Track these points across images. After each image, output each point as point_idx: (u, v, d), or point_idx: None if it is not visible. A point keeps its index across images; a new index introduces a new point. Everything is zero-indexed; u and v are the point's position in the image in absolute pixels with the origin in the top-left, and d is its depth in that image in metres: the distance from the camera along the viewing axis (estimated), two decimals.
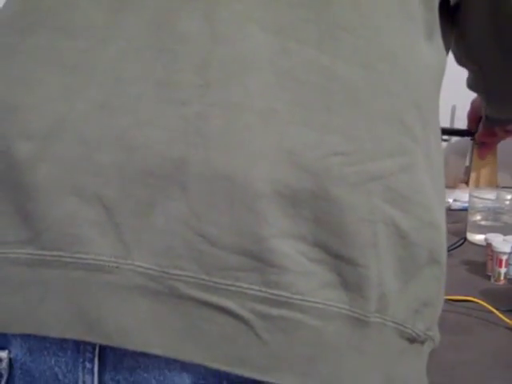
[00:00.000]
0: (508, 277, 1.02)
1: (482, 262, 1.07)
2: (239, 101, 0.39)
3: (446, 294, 0.95)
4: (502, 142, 1.14)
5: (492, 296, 0.95)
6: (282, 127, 0.39)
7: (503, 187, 1.35)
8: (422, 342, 0.46)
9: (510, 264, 1.02)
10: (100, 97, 0.39)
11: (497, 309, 0.88)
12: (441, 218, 0.45)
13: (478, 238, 1.19)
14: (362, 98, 0.41)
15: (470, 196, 1.24)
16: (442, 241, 0.45)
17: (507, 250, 1.01)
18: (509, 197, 1.24)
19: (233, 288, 0.37)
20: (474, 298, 0.93)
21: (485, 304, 0.90)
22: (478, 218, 1.24)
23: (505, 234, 1.07)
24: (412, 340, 0.44)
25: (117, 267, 0.38)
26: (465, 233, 1.22)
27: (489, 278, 1.04)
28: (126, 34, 0.40)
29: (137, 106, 0.38)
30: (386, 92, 0.41)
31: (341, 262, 0.39)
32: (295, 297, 0.38)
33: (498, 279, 1.02)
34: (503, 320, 0.86)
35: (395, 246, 0.41)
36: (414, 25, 0.45)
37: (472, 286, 1.01)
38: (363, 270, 0.39)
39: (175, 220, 0.37)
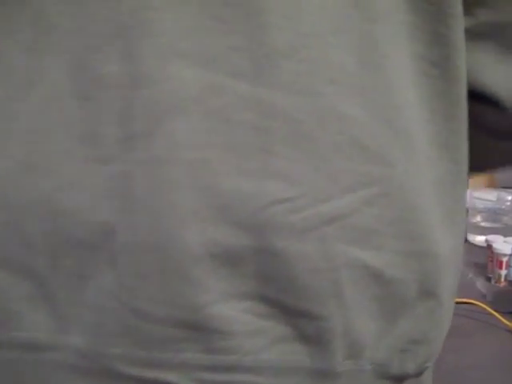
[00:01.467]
0: (509, 278, 1.02)
1: (483, 264, 1.07)
2: (164, 154, 0.34)
3: None
4: None
5: (492, 298, 0.95)
6: (213, 180, 0.34)
7: (503, 187, 1.35)
8: (419, 375, 0.42)
9: (510, 266, 1.01)
10: (22, 154, 0.35)
11: (497, 311, 0.88)
12: (442, 241, 0.39)
13: (479, 239, 1.19)
14: (306, 131, 0.34)
15: (471, 197, 1.24)
16: (442, 269, 0.39)
17: (508, 251, 1.01)
18: (509, 198, 1.23)
19: (175, 360, 0.35)
20: (475, 299, 0.92)
21: (485, 306, 0.89)
22: (479, 219, 1.24)
23: (505, 236, 1.07)
24: (401, 378, 0.40)
25: (53, 345, 0.35)
26: (465, 234, 1.22)
27: (489, 279, 1.03)
28: (49, 79, 0.35)
29: (60, 166, 0.35)
30: (337, 118, 0.35)
31: (296, 315, 0.35)
32: (245, 358, 0.35)
33: (498, 281, 1.02)
34: (503, 322, 0.86)
35: (368, 288, 0.36)
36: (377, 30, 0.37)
37: (473, 287, 1.01)
38: (323, 323, 0.35)
39: (106, 294, 0.35)
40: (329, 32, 0.35)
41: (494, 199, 1.23)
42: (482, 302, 0.91)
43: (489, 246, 1.04)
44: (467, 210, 1.25)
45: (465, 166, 0.41)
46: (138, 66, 0.34)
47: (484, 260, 1.07)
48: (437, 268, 0.38)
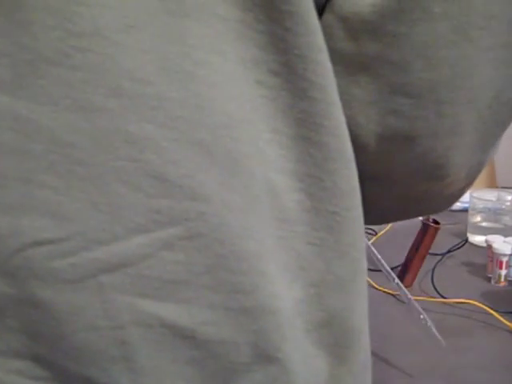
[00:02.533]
0: (508, 279, 1.02)
1: (483, 264, 1.07)
2: None
3: (446, 296, 0.96)
4: (502, 142, 1.14)
5: (492, 298, 0.95)
6: None
7: (503, 187, 1.35)
8: None
9: (510, 266, 1.02)
10: None
11: (497, 311, 0.88)
12: (286, 293, 0.31)
13: (479, 239, 1.19)
14: (79, 156, 0.28)
15: (471, 197, 1.24)
16: (284, 328, 0.31)
17: (508, 251, 1.01)
18: (509, 198, 1.23)
19: None
20: (475, 300, 0.92)
21: (485, 307, 0.90)
22: (479, 219, 1.24)
23: (505, 236, 1.07)
24: None
25: None
26: (465, 234, 1.22)
27: (489, 279, 1.03)
28: None
29: None
30: (122, 140, 0.28)
31: (79, 381, 0.30)
32: None
33: (498, 281, 1.02)
34: (503, 323, 0.86)
35: (179, 350, 0.30)
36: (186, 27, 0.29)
37: (472, 287, 1.01)
38: None
39: None
40: (117, 29, 0.28)
41: (494, 199, 1.23)
42: (482, 302, 0.91)
43: (489, 246, 1.04)
44: (467, 211, 1.25)
45: (333, 204, 0.33)
46: None
47: (484, 260, 1.07)
48: (276, 327, 0.31)
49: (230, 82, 0.30)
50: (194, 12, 0.29)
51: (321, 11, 0.34)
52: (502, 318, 0.86)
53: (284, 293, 0.31)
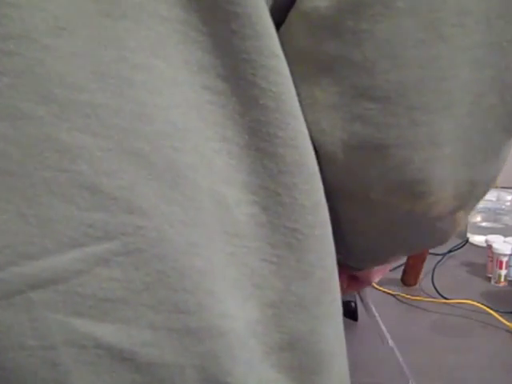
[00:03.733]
0: (508, 278, 1.02)
1: (483, 264, 1.07)
2: None
3: (446, 296, 0.95)
4: None
5: (492, 298, 0.95)
6: None
7: (503, 187, 1.35)
8: None
9: (510, 266, 1.02)
10: None
11: (497, 311, 0.88)
12: (237, 313, 0.29)
13: (479, 239, 1.19)
14: (8, 166, 0.26)
15: None
16: (235, 350, 0.29)
17: (508, 251, 1.01)
18: (509, 198, 1.23)
19: None
20: (475, 300, 0.92)
21: (484, 307, 0.90)
22: (479, 219, 1.24)
23: (505, 236, 1.07)
24: None
25: None
26: (466, 234, 1.22)
27: (489, 279, 1.03)
28: None
29: None
30: (53, 149, 0.26)
31: None
32: None
33: (498, 281, 1.02)
34: (503, 323, 0.86)
35: (117, 373, 0.28)
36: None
37: (472, 287, 1.01)
38: None
39: None
40: (47, 32, 0.26)
41: (494, 199, 1.23)
42: (482, 302, 0.91)
43: (489, 246, 1.04)
44: None
45: (292, 220, 0.30)
46: None
47: (484, 260, 1.07)
48: (226, 349, 0.29)
49: (172, 88, 0.28)
50: (132, 12, 0.27)
51: (286, 10, 0.33)
52: (501, 318, 0.86)
53: (235, 312, 0.29)
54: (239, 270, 0.30)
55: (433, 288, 0.98)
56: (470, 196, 0.37)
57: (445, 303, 0.94)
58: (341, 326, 0.34)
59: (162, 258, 0.27)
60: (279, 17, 0.32)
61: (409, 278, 1.02)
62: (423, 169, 0.33)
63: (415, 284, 1.02)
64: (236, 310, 0.29)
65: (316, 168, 0.31)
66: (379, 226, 0.38)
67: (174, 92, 0.28)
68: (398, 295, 0.98)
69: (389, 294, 1.00)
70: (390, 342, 0.68)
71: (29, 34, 0.26)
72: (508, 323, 0.85)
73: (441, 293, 0.96)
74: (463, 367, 0.77)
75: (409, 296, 0.97)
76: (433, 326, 0.88)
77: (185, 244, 0.28)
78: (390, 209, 0.36)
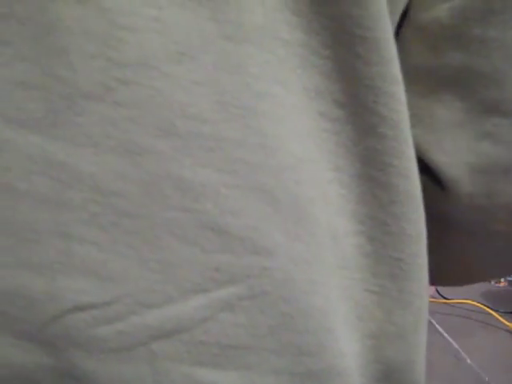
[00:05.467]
0: (508, 278, 1.02)
1: None
2: None
3: (447, 296, 0.96)
4: None
5: (492, 298, 0.95)
6: None
7: None
8: None
9: None
10: None
11: (497, 311, 0.88)
12: (348, 349, 0.28)
13: None
14: (125, 207, 0.24)
15: None
16: None
17: None
18: None
19: None
20: (475, 300, 0.93)
21: (485, 307, 0.90)
22: None
23: None
24: None
25: None
26: None
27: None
28: None
29: None
30: (174, 187, 0.24)
31: None
32: None
33: (498, 281, 1.02)
34: (503, 323, 0.86)
35: None
36: None
37: (472, 287, 1.01)
38: None
39: None
40: (166, 58, 0.24)
41: None
42: (482, 302, 0.92)
43: None
44: None
45: (398, 250, 0.29)
46: None
47: None
48: None
49: (293, 116, 0.26)
50: (255, 36, 0.25)
51: (397, 30, 0.30)
52: (501, 318, 0.87)
53: (347, 349, 0.28)
54: (347, 304, 0.28)
55: (433, 288, 0.98)
56: None
57: (445, 303, 0.95)
58: (425, 354, 0.33)
59: (287, 299, 0.26)
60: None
61: None
62: None
63: None
64: (346, 346, 0.28)
65: (421, 195, 0.29)
66: (487, 257, 0.35)
67: (293, 120, 0.26)
68: None
69: None
70: None
71: (147, 60, 0.24)
72: (508, 323, 0.86)
73: (441, 293, 0.97)
74: (463, 367, 0.77)
75: None
76: (433, 325, 0.88)
77: (307, 283, 0.26)
78: (509, 239, 0.33)
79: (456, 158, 0.30)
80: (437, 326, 0.70)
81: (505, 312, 0.89)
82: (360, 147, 0.28)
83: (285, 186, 0.26)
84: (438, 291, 0.97)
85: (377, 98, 0.27)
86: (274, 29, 0.25)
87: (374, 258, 0.29)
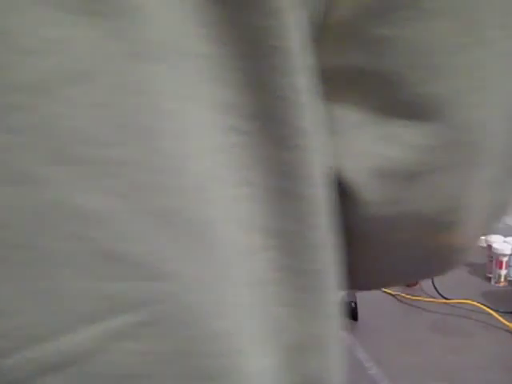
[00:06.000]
0: (508, 278, 1.02)
1: (483, 264, 1.07)
2: None
3: (447, 296, 0.96)
4: None
5: (492, 298, 0.95)
6: None
7: None
8: None
9: (510, 266, 1.02)
10: None
11: (497, 311, 0.88)
12: (259, 366, 0.27)
13: None
14: (18, 237, 0.23)
15: None
16: None
17: (508, 251, 1.01)
18: None
19: None
20: (475, 300, 0.93)
21: (484, 307, 0.90)
22: None
23: (505, 236, 1.07)
24: None
25: None
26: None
27: (489, 279, 1.04)
28: None
29: None
30: (68, 215, 0.24)
31: None
32: None
33: (498, 281, 1.02)
34: (503, 323, 0.86)
35: None
36: None
37: (472, 287, 1.01)
38: None
39: None
40: (64, 80, 0.23)
41: None
42: (482, 302, 0.92)
43: (489, 246, 1.04)
44: None
45: (310, 261, 0.28)
46: None
47: (484, 260, 1.07)
48: None
49: (200, 133, 0.25)
50: (159, 52, 0.24)
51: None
52: (501, 318, 0.87)
53: (261, 365, 0.27)
54: (261, 319, 0.28)
55: (433, 288, 0.98)
56: (496, 221, 0.34)
57: (445, 303, 0.95)
58: (343, 359, 0.32)
59: (189, 324, 0.25)
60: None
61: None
62: (457, 196, 0.30)
63: (416, 284, 1.02)
64: (260, 363, 0.27)
65: (335, 205, 0.29)
66: (391, 264, 0.35)
67: (200, 137, 0.25)
68: (399, 295, 0.98)
69: (389, 294, 1.00)
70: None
71: (42, 84, 0.22)
72: (508, 323, 0.86)
73: (441, 293, 0.97)
74: (463, 367, 0.77)
75: (409, 296, 0.97)
76: (433, 326, 0.88)
77: (211, 305, 0.25)
78: (411, 247, 0.33)
79: (354, 163, 0.29)
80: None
81: (505, 312, 0.89)
82: (273, 160, 0.27)
83: (190, 207, 0.25)
84: (438, 291, 0.97)
85: (288, 108, 0.26)
86: (180, 43, 0.24)
87: (287, 271, 0.28)
